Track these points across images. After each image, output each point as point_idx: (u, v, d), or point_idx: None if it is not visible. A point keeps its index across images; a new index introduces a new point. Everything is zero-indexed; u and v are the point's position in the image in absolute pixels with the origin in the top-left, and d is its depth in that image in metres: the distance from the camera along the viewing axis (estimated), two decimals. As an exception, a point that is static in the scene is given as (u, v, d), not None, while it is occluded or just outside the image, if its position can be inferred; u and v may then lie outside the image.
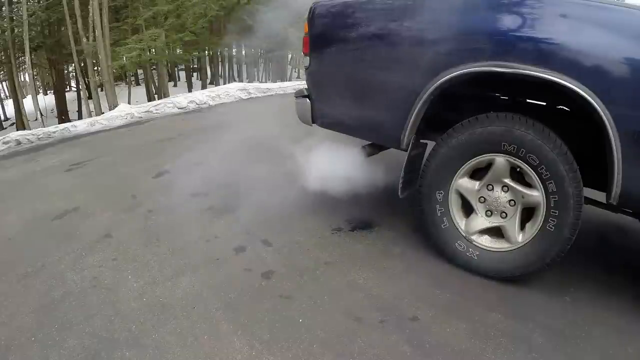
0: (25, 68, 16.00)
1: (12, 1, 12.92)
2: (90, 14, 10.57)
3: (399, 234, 2.16)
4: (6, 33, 12.40)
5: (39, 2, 13.08)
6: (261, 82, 16.74)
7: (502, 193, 1.71)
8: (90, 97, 12.90)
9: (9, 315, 1.67)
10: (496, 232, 1.76)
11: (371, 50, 1.94)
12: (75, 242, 2.22)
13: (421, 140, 2.02)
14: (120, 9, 12.38)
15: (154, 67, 14.25)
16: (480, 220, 1.77)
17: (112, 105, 9.32)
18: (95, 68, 13.62)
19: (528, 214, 1.68)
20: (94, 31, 10.58)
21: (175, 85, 18.97)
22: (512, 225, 1.70)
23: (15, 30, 12.69)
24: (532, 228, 1.65)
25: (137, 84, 19.60)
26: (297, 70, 22.64)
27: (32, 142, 4.85)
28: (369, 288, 1.73)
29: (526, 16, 1.51)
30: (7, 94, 19.89)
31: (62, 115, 14.75)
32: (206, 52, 16.49)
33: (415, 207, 1.94)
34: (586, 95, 1.41)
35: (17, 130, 10.90)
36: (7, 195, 3.12)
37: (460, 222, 1.81)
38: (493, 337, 1.46)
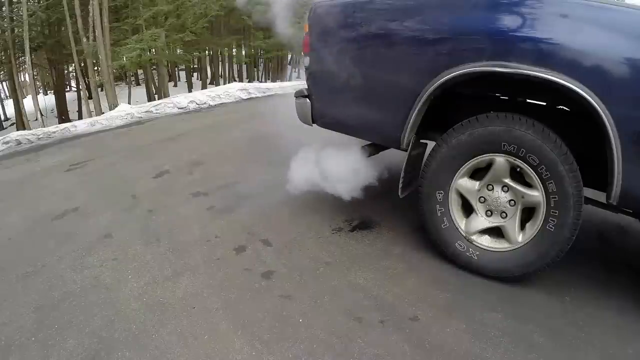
0: (25, 68, 16.00)
1: (12, 1, 12.92)
2: (90, 14, 10.59)
3: (399, 234, 2.16)
4: (6, 33, 12.41)
5: (39, 2, 13.08)
6: (261, 81, 16.74)
7: (502, 193, 1.71)
8: (90, 97, 12.91)
9: (9, 315, 1.67)
10: (496, 232, 1.76)
11: (371, 50, 1.94)
12: (76, 242, 2.22)
13: (421, 140, 2.02)
14: (120, 9, 12.38)
15: (154, 67, 14.25)
16: (481, 220, 1.77)
17: (112, 105, 9.33)
18: (95, 68, 13.62)
19: (528, 214, 1.68)
20: (94, 31, 10.59)
21: (175, 85, 18.97)
22: (512, 225, 1.70)
23: (15, 30, 12.69)
24: (532, 228, 1.65)
25: (137, 84, 19.60)
26: (297, 70, 22.63)
27: (32, 142, 4.84)
28: (369, 288, 1.73)
29: (526, 16, 1.51)
30: (7, 94, 19.90)
31: (62, 115, 14.76)
32: (206, 52, 16.50)
33: (416, 207, 1.94)
34: (586, 95, 1.41)
35: (17, 130, 10.91)
36: (7, 195, 3.11)
37: (461, 222, 1.81)
38: (493, 337, 1.46)
